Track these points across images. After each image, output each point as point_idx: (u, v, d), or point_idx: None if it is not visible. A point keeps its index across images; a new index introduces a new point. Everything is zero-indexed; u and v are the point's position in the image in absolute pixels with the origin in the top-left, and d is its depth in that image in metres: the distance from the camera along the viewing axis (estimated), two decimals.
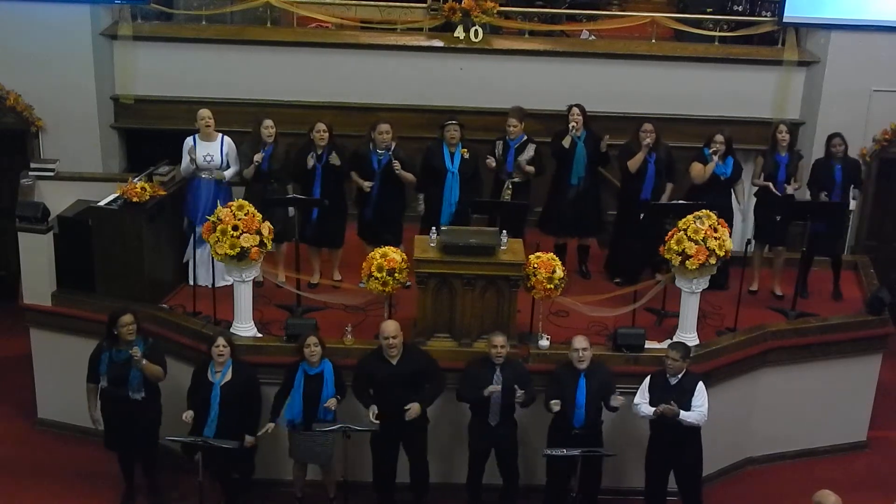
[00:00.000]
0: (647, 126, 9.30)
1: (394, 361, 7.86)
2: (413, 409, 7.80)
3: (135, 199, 8.80)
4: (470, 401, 7.97)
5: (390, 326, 7.84)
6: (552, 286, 8.15)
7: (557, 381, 7.89)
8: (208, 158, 9.13)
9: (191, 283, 9.24)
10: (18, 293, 9.17)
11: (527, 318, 8.54)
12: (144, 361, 7.82)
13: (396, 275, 8.17)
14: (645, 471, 8.17)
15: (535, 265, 8.17)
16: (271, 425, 7.91)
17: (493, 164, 9.39)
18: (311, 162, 9.05)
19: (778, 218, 9.43)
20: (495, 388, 7.76)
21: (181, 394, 8.05)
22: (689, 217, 8.26)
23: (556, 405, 7.75)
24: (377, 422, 7.77)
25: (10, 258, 9.93)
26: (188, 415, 7.75)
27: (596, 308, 8.80)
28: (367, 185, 9.13)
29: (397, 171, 9.08)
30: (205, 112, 9.19)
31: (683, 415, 7.70)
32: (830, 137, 9.42)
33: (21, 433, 9.37)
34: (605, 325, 8.85)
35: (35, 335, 9.20)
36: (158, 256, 9.11)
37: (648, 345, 8.47)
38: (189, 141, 9.20)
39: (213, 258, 8.38)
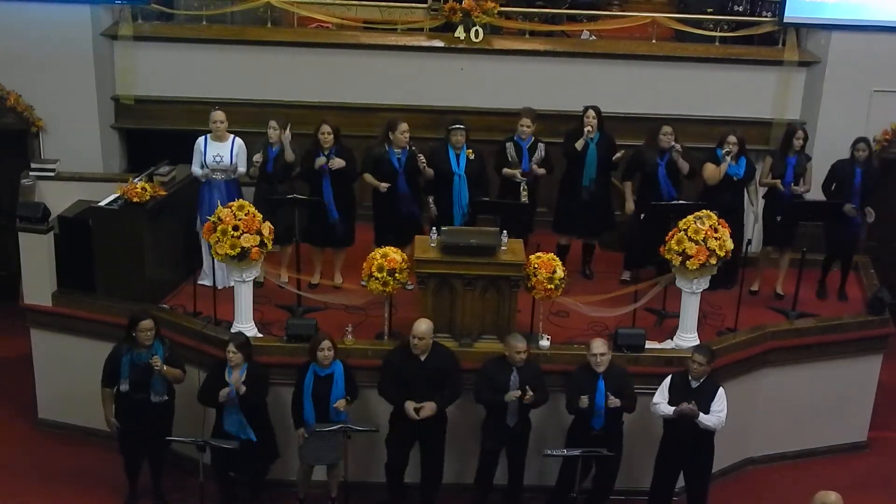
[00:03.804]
0: (667, 129, 9.30)
1: (423, 358, 7.85)
2: (427, 407, 7.79)
3: (135, 199, 8.80)
4: (489, 404, 7.94)
5: (422, 326, 7.80)
6: (552, 286, 8.16)
7: (576, 383, 7.87)
8: (218, 159, 9.13)
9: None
10: (18, 293, 9.17)
11: (527, 318, 8.54)
12: (165, 368, 7.82)
13: (397, 275, 8.17)
14: (654, 469, 8.18)
15: (536, 265, 8.18)
16: (301, 431, 7.91)
17: (518, 175, 9.32)
18: (319, 163, 9.04)
19: (778, 218, 9.43)
20: (515, 393, 7.75)
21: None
22: (690, 217, 8.27)
23: (585, 401, 7.72)
24: (419, 417, 7.76)
25: (10, 258, 9.92)
26: (224, 392, 7.73)
27: (596, 308, 8.80)
28: (383, 186, 9.12)
29: (422, 167, 9.06)
30: (218, 114, 9.18)
31: (702, 417, 7.70)
32: (856, 141, 9.43)
33: (21, 433, 9.37)
34: (606, 326, 8.85)
35: (35, 335, 9.19)
36: (159, 256, 9.11)
37: (649, 345, 8.48)
38: (200, 142, 9.20)
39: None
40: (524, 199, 9.31)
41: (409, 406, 7.78)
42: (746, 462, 9.24)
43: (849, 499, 6.23)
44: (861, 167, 9.42)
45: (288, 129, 9.11)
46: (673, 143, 9.24)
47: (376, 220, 9.37)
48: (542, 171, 9.37)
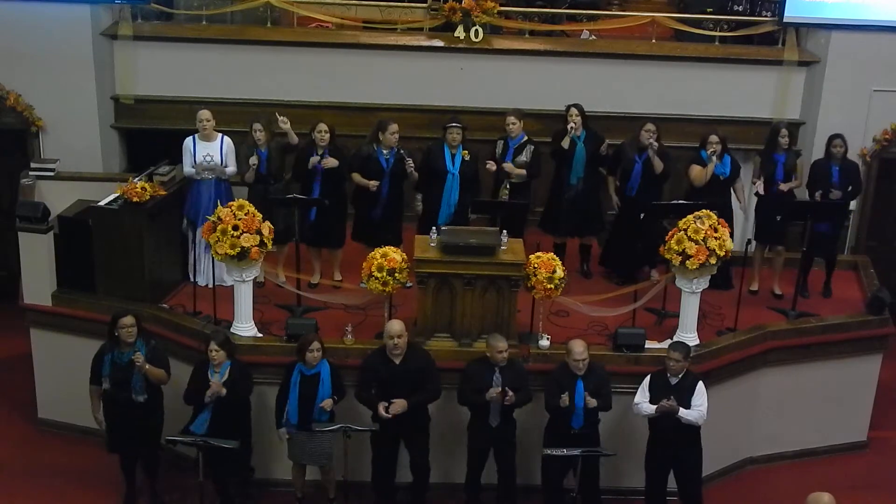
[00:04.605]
0: (650, 126, 9.31)
1: (397, 361, 7.85)
2: (398, 404, 7.76)
3: (135, 199, 8.80)
4: (471, 404, 7.96)
5: (395, 326, 7.82)
6: (552, 286, 8.16)
7: (556, 382, 7.88)
8: (208, 159, 9.15)
9: (192, 280, 9.28)
10: (18, 293, 9.17)
11: (527, 318, 8.54)
12: (147, 366, 7.81)
13: (397, 275, 8.17)
14: (645, 471, 8.17)
15: (536, 265, 8.17)
16: (283, 431, 7.90)
17: (494, 168, 9.39)
18: (313, 162, 9.05)
19: (778, 218, 9.44)
20: (496, 390, 7.76)
21: (179, 394, 8.04)
22: (690, 217, 8.27)
23: (566, 399, 7.73)
24: (389, 415, 7.75)
25: (10, 258, 9.92)
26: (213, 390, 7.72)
27: (596, 308, 8.80)
28: (373, 184, 9.11)
29: (409, 170, 9.09)
30: (204, 113, 9.22)
31: (682, 412, 7.70)
32: (831, 138, 9.44)
33: (21, 433, 9.37)
34: (605, 325, 8.85)
35: (35, 335, 9.19)
36: (158, 256, 9.11)
37: (648, 345, 8.48)
38: (188, 142, 9.21)
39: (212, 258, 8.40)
40: (503, 197, 9.33)
41: (381, 407, 7.77)
42: (746, 462, 9.24)
43: (849, 499, 6.24)
44: (838, 164, 9.41)
45: (277, 114, 9.18)
46: (651, 140, 9.25)
47: (356, 218, 9.38)
48: (519, 171, 9.36)
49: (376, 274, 8.15)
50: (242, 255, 8.07)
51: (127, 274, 8.89)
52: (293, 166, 9.26)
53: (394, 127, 9.07)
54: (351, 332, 8.41)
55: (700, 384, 7.83)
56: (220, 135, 9.26)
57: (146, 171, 9.46)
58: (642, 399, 7.87)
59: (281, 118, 9.15)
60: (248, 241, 8.04)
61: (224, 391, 7.69)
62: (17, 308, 9.22)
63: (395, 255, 8.24)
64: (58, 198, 9.35)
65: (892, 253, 11.03)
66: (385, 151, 9.12)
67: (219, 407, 7.76)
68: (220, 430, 7.75)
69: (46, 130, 10.50)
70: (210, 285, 8.92)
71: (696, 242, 8.12)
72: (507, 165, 9.36)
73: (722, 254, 8.18)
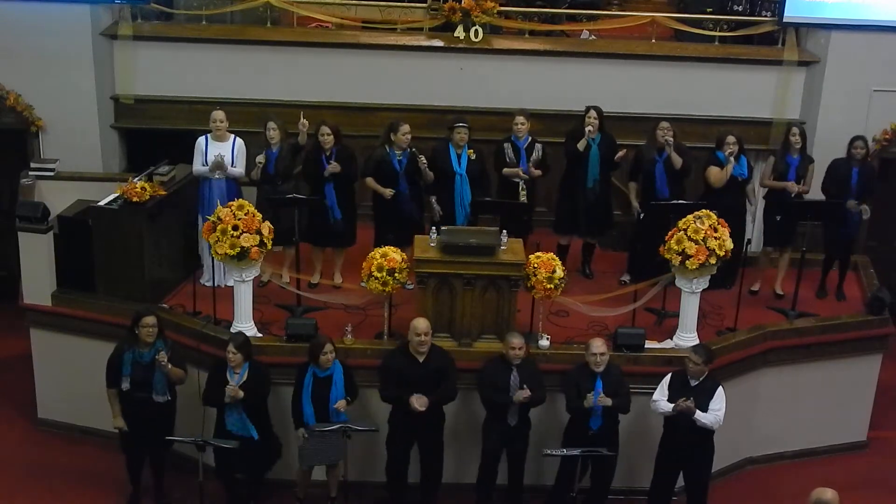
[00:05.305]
0: (664, 124, 9.34)
1: (421, 359, 7.84)
2: (421, 400, 7.74)
3: (135, 199, 8.80)
4: (497, 404, 7.90)
5: (422, 323, 7.82)
6: (552, 286, 8.16)
7: (574, 383, 7.87)
8: (220, 159, 9.15)
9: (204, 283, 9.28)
10: (18, 293, 9.17)
11: (527, 318, 8.55)
12: (170, 365, 7.81)
13: (397, 274, 8.17)
14: (654, 468, 8.17)
15: (536, 265, 8.18)
16: (301, 431, 7.88)
17: (521, 173, 9.32)
18: (330, 169, 9.06)
19: (778, 218, 9.44)
20: (525, 393, 7.74)
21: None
22: (689, 217, 8.27)
23: (591, 399, 7.68)
24: (423, 409, 7.72)
25: (10, 258, 9.92)
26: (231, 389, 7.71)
27: (596, 308, 8.81)
28: (388, 192, 9.09)
29: (423, 167, 9.08)
30: (219, 114, 9.25)
31: (699, 415, 7.69)
32: (853, 140, 9.44)
33: (21, 433, 9.37)
34: (605, 325, 8.85)
35: (35, 335, 9.19)
36: (158, 256, 9.11)
37: (648, 345, 8.48)
38: (201, 141, 9.24)
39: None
40: (523, 198, 9.32)
41: (414, 398, 7.72)
42: (746, 462, 9.24)
43: (848, 498, 6.23)
44: (858, 166, 9.42)
45: (302, 116, 9.21)
46: (667, 137, 9.25)
47: (377, 220, 9.38)
48: (538, 172, 9.40)
49: (376, 274, 8.16)
50: (242, 255, 8.07)
51: (127, 274, 8.89)
52: (303, 166, 9.26)
53: (405, 128, 9.08)
54: (351, 332, 8.41)
55: (720, 389, 7.81)
56: (232, 136, 9.28)
57: (146, 171, 9.46)
58: (661, 397, 7.86)
59: (302, 120, 9.15)
60: (247, 241, 8.05)
61: (241, 394, 7.69)
62: (17, 308, 9.22)
63: (394, 255, 8.24)
64: (58, 198, 9.36)
65: (892, 253, 11.03)
66: (398, 153, 9.12)
67: (244, 407, 7.76)
68: (260, 429, 7.85)
69: (46, 130, 10.50)
70: (221, 285, 8.94)
71: (696, 242, 8.12)
72: (531, 169, 9.33)
73: (722, 254, 8.18)
